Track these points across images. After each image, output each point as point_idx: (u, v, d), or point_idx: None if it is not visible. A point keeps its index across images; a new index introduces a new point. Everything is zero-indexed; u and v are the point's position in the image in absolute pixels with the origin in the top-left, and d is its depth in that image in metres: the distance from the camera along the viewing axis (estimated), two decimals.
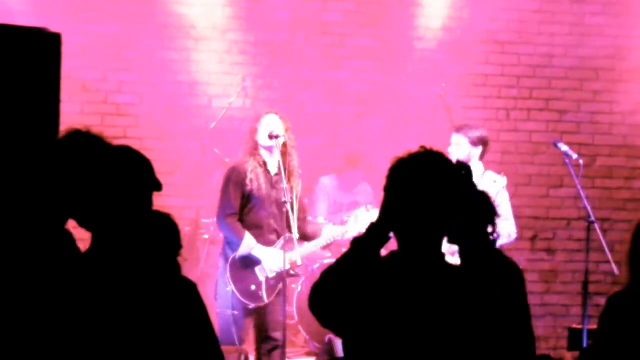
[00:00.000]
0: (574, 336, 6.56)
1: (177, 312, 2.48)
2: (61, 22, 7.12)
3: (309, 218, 6.25)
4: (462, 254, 2.54)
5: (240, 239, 5.30)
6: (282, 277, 5.31)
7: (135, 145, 2.72)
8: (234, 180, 5.35)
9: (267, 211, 5.39)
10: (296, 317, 6.21)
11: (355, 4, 7.77)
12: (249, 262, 5.34)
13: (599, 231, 6.06)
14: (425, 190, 2.47)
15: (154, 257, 2.55)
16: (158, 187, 2.59)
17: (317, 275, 6.23)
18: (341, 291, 2.47)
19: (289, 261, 5.28)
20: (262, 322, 5.39)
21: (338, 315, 2.49)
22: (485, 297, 2.45)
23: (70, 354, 2.41)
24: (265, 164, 5.43)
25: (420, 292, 2.46)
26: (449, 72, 7.71)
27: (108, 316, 2.43)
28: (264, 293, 5.33)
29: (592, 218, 6.05)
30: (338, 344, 5.34)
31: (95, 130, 3.09)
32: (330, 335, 5.51)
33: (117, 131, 7.23)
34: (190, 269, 6.19)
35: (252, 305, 5.30)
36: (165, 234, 2.70)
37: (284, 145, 5.44)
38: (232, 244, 5.36)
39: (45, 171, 2.87)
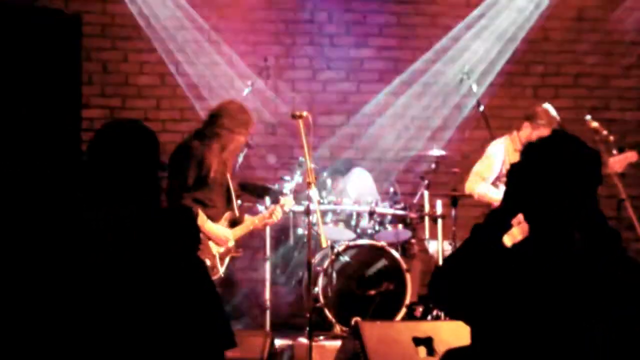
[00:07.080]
0: None
1: (186, 285, 2.50)
2: (81, 2, 7.09)
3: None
4: (586, 239, 2.49)
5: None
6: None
7: (156, 127, 2.68)
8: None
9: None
10: (322, 300, 6.13)
11: None
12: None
13: (629, 209, 5.97)
14: (567, 173, 2.44)
15: (170, 247, 2.54)
16: (162, 167, 2.60)
17: (342, 257, 6.18)
18: (466, 278, 2.45)
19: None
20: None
21: (465, 302, 2.48)
22: (614, 285, 2.45)
23: (75, 322, 2.40)
24: None
25: (553, 277, 2.45)
26: (474, 49, 7.60)
27: (114, 286, 2.43)
28: (218, 265, 5.40)
29: (623, 195, 5.98)
30: (364, 326, 5.26)
31: (116, 112, 3.05)
32: (357, 318, 5.43)
33: (138, 113, 7.18)
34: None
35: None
36: (184, 228, 2.67)
37: None
38: None
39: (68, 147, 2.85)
